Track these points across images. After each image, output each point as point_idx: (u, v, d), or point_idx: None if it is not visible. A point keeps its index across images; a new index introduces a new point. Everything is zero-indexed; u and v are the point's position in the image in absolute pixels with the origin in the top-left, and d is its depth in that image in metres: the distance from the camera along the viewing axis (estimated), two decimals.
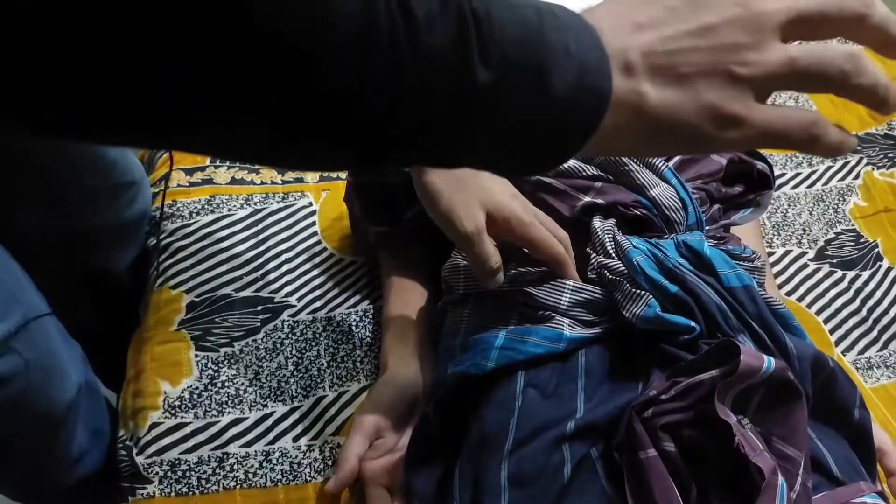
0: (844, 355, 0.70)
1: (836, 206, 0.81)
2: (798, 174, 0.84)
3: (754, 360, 0.42)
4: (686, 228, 0.54)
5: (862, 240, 0.78)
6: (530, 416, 0.48)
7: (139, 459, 0.54)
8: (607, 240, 0.52)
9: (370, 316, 0.65)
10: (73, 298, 0.81)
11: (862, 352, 0.70)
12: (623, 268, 0.50)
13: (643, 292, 0.49)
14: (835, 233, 0.79)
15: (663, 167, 0.56)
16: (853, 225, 0.80)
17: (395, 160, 0.28)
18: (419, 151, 0.28)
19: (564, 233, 0.52)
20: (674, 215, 0.53)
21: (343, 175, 0.75)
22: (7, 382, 0.55)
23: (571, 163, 0.56)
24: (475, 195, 0.48)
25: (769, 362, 0.42)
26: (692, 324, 0.47)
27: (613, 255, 0.51)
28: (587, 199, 0.54)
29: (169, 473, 0.53)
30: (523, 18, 0.26)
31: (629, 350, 0.50)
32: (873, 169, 0.85)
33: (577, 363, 0.50)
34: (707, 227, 0.58)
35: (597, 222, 0.53)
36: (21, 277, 0.58)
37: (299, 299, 0.65)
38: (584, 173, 0.55)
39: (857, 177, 0.84)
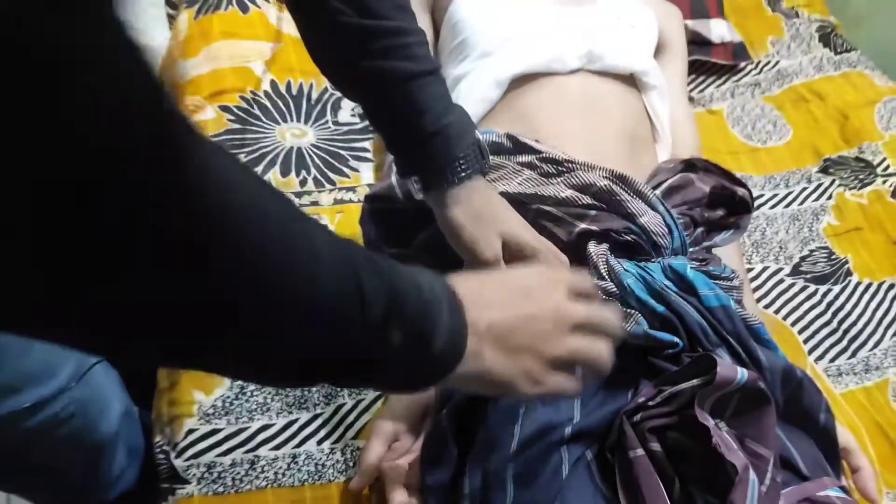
0: (817, 363, 0.76)
1: (810, 225, 0.88)
2: (775, 195, 0.91)
3: (729, 371, 0.48)
4: (671, 251, 0.61)
5: (834, 256, 0.85)
6: (532, 421, 0.53)
7: (178, 462, 0.59)
8: (601, 263, 0.58)
9: None
10: None
11: (833, 360, 0.77)
12: (615, 289, 0.56)
13: (633, 311, 0.55)
14: (809, 250, 0.85)
15: (651, 195, 0.62)
16: (826, 242, 0.86)
17: (331, 382, 0.37)
18: (347, 381, 0.37)
19: (565, 257, 0.58)
20: (660, 240, 0.60)
21: (355, 198, 0.80)
22: (67, 422, 0.61)
23: (569, 192, 0.62)
24: (493, 226, 0.55)
25: (742, 373, 0.48)
26: (676, 339, 0.53)
27: (606, 277, 0.57)
28: (583, 225, 0.60)
29: (206, 475, 0.59)
30: (417, 295, 0.34)
31: (620, 362, 0.56)
32: (845, 190, 0.92)
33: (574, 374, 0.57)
34: (691, 249, 0.64)
35: (591, 247, 0.59)
36: None
37: None
38: (579, 202, 0.61)
39: (829, 197, 0.91)
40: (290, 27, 0.95)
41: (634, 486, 0.49)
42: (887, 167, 0.94)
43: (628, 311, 0.54)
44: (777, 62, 1.07)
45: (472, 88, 0.73)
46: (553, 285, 0.41)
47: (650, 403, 0.51)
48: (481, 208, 0.55)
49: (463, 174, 0.54)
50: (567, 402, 0.53)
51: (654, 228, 0.59)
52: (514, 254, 0.56)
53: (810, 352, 0.77)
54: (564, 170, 0.63)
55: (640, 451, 0.50)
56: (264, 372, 0.32)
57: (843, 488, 0.55)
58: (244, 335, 0.29)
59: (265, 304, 0.28)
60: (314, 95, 0.89)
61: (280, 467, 0.60)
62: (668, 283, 0.56)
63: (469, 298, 0.37)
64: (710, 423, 0.48)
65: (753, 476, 0.47)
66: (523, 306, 0.39)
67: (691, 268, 0.57)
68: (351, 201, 0.81)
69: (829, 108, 1.00)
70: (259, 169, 0.79)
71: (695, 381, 0.49)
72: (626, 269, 0.57)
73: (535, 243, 0.56)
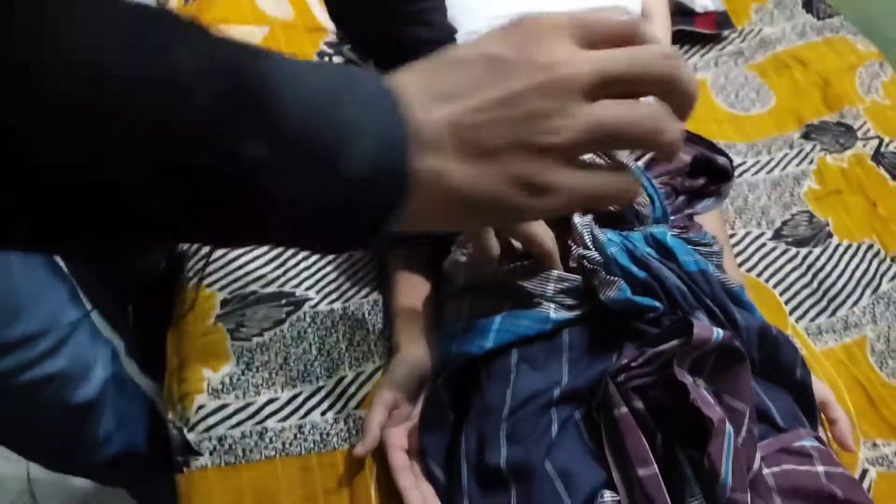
0: (798, 323, 0.80)
1: (791, 190, 0.90)
2: (757, 161, 0.93)
3: (705, 331, 0.51)
4: (654, 220, 0.63)
5: (815, 219, 0.88)
6: (523, 386, 0.57)
7: (191, 437, 0.63)
8: (586, 234, 0.61)
9: (380, 305, 0.74)
10: (114, 293, 0.90)
11: (813, 319, 0.80)
12: (600, 258, 0.59)
13: (616, 278, 0.57)
14: (790, 214, 0.88)
15: (632, 165, 0.65)
16: (807, 206, 0.89)
17: (170, 239, 0.27)
18: (192, 231, 0.25)
19: (550, 231, 0.60)
20: (642, 210, 0.62)
21: None
22: (51, 381, 0.66)
23: None
24: None
25: (718, 333, 0.51)
26: (657, 304, 0.56)
27: (591, 247, 0.60)
28: None
29: (217, 447, 0.62)
30: (313, 91, 0.24)
31: (605, 327, 0.59)
32: (826, 154, 0.94)
33: (561, 340, 0.60)
34: (672, 217, 0.67)
35: (576, 218, 0.62)
36: (57, 287, 0.67)
37: (318, 292, 0.74)
38: None
39: (811, 162, 0.93)
40: (277, 10, 0.96)
41: (619, 441, 0.52)
42: (867, 131, 0.96)
43: (612, 278, 0.57)
44: (760, 30, 1.08)
45: None
46: (541, 37, 0.27)
47: (633, 364, 0.54)
48: None
49: None
50: (553, 361, 0.56)
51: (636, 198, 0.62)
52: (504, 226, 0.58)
53: (791, 312, 0.80)
54: None
55: (625, 409, 0.53)
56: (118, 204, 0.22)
57: (818, 438, 0.59)
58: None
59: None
60: None
61: (287, 437, 0.63)
62: (649, 250, 0.58)
63: (415, 90, 0.27)
64: (689, 380, 0.51)
65: (729, 428, 0.50)
66: (495, 84, 0.27)
67: (672, 235, 0.60)
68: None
69: (812, 74, 1.02)
70: None
71: (674, 342, 0.52)
72: (609, 239, 0.59)
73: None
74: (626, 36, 0.29)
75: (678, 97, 0.29)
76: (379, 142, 0.25)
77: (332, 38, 0.93)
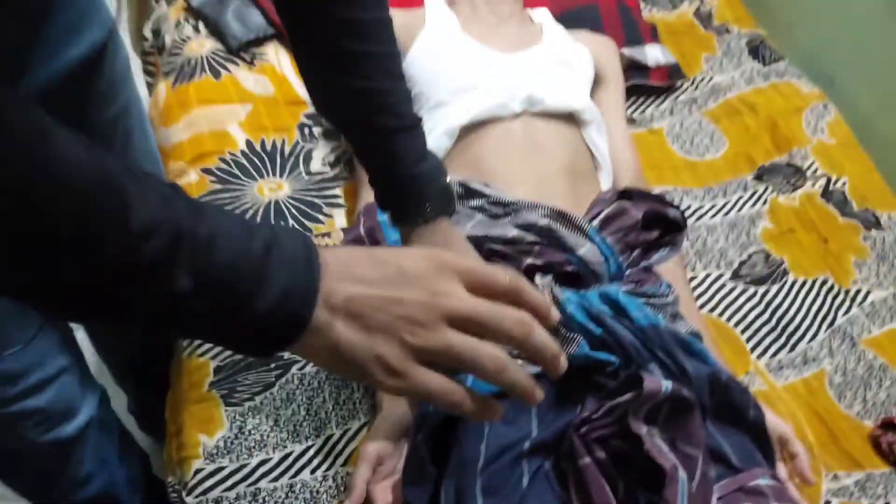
0: (759, 360, 0.85)
1: (748, 231, 0.96)
2: (714, 205, 0.99)
3: (655, 385, 0.56)
4: (610, 277, 0.69)
5: (771, 258, 0.93)
6: (496, 440, 0.61)
7: (189, 500, 0.67)
8: (546, 293, 0.66)
9: None
10: (105, 343, 0.95)
11: (773, 355, 0.85)
12: (559, 317, 0.64)
13: (576, 335, 0.63)
14: (748, 254, 0.94)
15: (587, 228, 0.70)
16: (762, 246, 0.95)
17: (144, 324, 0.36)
18: (131, 320, 0.35)
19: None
20: (598, 269, 0.68)
21: (332, 242, 0.88)
22: (33, 415, 0.71)
23: (514, 232, 0.70)
24: None
25: (667, 385, 0.56)
26: (613, 358, 0.61)
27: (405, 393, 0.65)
28: (529, 260, 0.68)
29: None
30: (243, 246, 0.33)
31: (569, 381, 0.64)
32: (778, 195, 1.00)
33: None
34: (628, 272, 0.72)
35: (538, 279, 0.67)
36: (48, 333, 0.72)
37: None
38: (525, 241, 0.69)
39: (765, 203, 0.99)
40: (257, 88, 1.02)
41: (584, 490, 0.57)
42: (815, 169, 1.03)
43: (571, 334, 0.62)
44: (711, 77, 1.15)
45: (428, 139, 0.81)
46: (440, 271, 0.37)
47: (594, 417, 0.59)
48: (440, 246, 0.62)
49: (428, 215, 0.61)
50: (524, 415, 0.61)
51: (591, 258, 0.67)
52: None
53: (752, 349, 0.85)
54: (511, 210, 0.71)
55: (588, 460, 0.58)
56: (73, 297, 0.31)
57: (773, 476, 0.63)
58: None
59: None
60: (286, 150, 0.96)
61: (279, 497, 0.67)
62: (604, 307, 0.64)
63: (332, 268, 0.35)
64: (643, 430, 0.56)
65: (683, 474, 0.55)
66: (392, 287, 0.36)
67: (624, 292, 0.65)
68: (328, 246, 0.88)
69: (761, 117, 1.09)
70: None
71: (628, 395, 0.57)
72: (567, 298, 0.65)
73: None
74: (505, 292, 0.38)
75: (531, 354, 0.38)
76: (285, 291, 0.34)
77: (311, 110, 1.00)
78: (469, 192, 0.74)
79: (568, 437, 0.59)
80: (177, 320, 0.34)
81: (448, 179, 0.63)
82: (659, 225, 0.78)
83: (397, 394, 0.37)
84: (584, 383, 0.62)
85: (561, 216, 0.69)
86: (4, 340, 0.66)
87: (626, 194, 0.77)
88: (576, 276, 0.68)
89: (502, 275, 0.38)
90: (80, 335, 0.88)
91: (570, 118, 0.85)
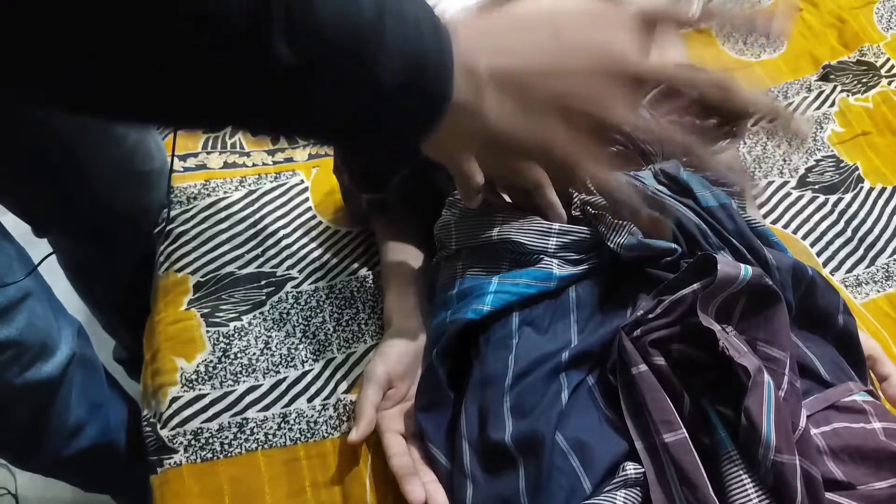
0: (833, 275, 0.72)
1: (814, 134, 0.83)
2: None
3: (731, 268, 0.44)
4: (662, 158, 0.56)
5: (842, 164, 0.80)
6: (527, 352, 0.50)
7: (163, 433, 0.56)
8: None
9: (370, 281, 0.67)
10: (90, 280, 0.85)
11: (850, 270, 0.72)
12: (604, 201, 0.52)
13: (625, 222, 0.51)
14: (815, 160, 0.81)
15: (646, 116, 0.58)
16: (832, 151, 0.82)
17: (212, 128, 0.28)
18: (242, 116, 0.26)
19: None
20: (648, 147, 0.55)
21: (330, 151, 0.77)
22: (6, 348, 0.62)
23: None
24: None
25: (746, 270, 0.44)
26: (674, 245, 0.49)
27: (594, 190, 0.53)
28: None
29: (192, 442, 0.56)
30: (354, 10, 0.25)
31: (617, 279, 0.52)
32: (848, 95, 0.87)
33: (568, 298, 0.53)
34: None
35: None
36: (4, 247, 0.62)
37: (300, 271, 0.67)
38: None
39: (832, 104, 0.86)
40: None
41: (639, 403, 0.45)
42: (892, 67, 0.89)
43: (619, 222, 0.50)
44: None
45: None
46: (609, 22, 0.29)
47: (650, 316, 0.47)
48: None
49: None
50: (561, 321, 0.49)
51: (639, 135, 0.55)
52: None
53: (825, 263, 0.73)
54: None
55: (644, 367, 0.46)
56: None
57: (870, 392, 0.51)
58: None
59: None
60: None
61: (270, 428, 0.57)
62: (660, 187, 0.52)
63: (467, 40, 0.27)
64: (716, 327, 0.44)
65: (768, 378, 0.43)
66: (548, 55, 0.28)
67: (685, 170, 0.53)
68: (327, 154, 0.77)
69: (824, 13, 0.95)
70: None
71: (695, 286, 0.45)
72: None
73: None
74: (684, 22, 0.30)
75: (732, 117, 0.32)
76: (417, 61, 0.25)
77: None
78: None
79: (617, 342, 0.48)
80: (285, 111, 0.25)
81: None
82: (716, 113, 0.66)
83: (569, 185, 0.30)
84: (636, 279, 0.51)
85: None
86: None
87: None
88: (619, 157, 0.56)
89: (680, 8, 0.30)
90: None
91: None
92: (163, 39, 0.22)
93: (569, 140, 0.28)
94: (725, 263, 0.44)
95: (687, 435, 0.44)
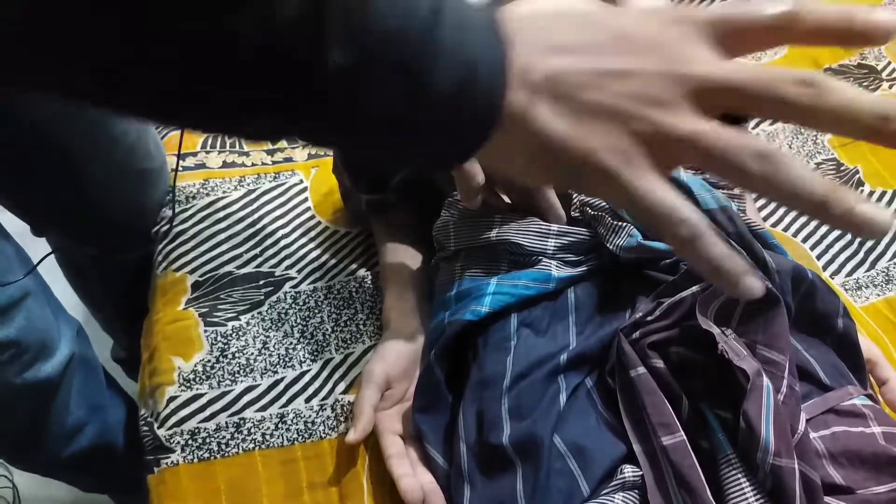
0: (833, 278, 0.72)
1: (814, 138, 0.83)
2: None
3: None
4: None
5: (843, 167, 0.80)
6: (526, 354, 0.50)
7: (160, 432, 0.56)
8: None
9: (368, 282, 0.67)
10: (88, 279, 0.85)
11: (850, 274, 0.72)
12: (604, 203, 0.52)
13: (625, 223, 0.51)
14: (815, 163, 0.80)
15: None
16: (833, 154, 0.81)
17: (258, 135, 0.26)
18: (283, 122, 0.25)
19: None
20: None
21: (330, 151, 0.76)
22: (6, 348, 0.62)
23: None
24: None
25: None
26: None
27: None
28: None
29: (190, 441, 0.56)
30: (410, 10, 0.23)
31: (616, 281, 0.52)
32: None
33: (567, 300, 0.53)
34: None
35: None
36: (9, 256, 0.62)
37: (299, 271, 0.67)
38: None
39: None
40: None
41: (637, 406, 0.45)
42: (893, 71, 0.89)
43: (619, 223, 0.50)
44: None
45: None
46: (678, 28, 0.26)
47: (648, 318, 0.47)
48: None
49: None
50: (559, 323, 0.49)
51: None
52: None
53: (825, 267, 0.73)
54: None
55: (642, 370, 0.46)
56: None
57: (870, 396, 0.51)
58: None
59: None
60: None
61: (267, 428, 0.57)
62: None
63: (524, 37, 0.25)
64: (715, 329, 0.44)
65: (767, 382, 0.43)
66: (610, 56, 0.25)
67: (685, 173, 0.53)
68: (326, 154, 0.77)
69: None
70: None
71: (694, 288, 0.45)
72: None
73: None
74: (772, 27, 0.26)
75: (830, 121, 0.25)
76: (471, 69, 0.24)
77: None
78: None
79: (616, 345, 0.48)
80: (331, 117, 0.24)
81: None
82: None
83: (620, 206, 0.27)
84: (635, 281, 0.50)
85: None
86: None
87: None
88: None
89: (759, 10, 0.25)
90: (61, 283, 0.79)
91: None
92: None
93: (620, 150, 0.25)
94: None
95: (685, 438, 0.43)
